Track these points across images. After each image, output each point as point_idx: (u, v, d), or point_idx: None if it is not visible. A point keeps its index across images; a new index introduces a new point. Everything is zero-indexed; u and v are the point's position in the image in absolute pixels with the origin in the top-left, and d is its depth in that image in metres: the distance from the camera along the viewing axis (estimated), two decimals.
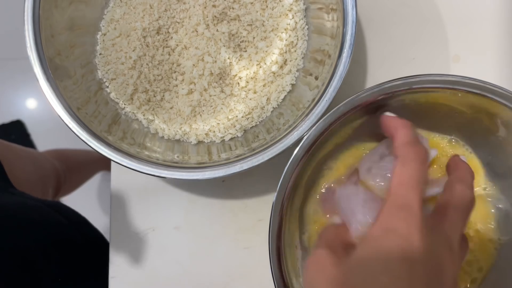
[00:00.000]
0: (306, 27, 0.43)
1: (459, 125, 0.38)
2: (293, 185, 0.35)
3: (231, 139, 0.43)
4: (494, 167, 0.39)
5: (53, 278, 0.50)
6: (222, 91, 0.43)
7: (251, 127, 0.43)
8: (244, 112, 0.43)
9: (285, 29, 0.43)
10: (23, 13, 0.36)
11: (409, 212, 0.25)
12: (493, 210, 0.39)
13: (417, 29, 0.46)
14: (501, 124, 0.35)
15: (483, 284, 0.38)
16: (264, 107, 0.43)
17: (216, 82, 0.42)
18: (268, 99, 0.43)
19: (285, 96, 0.43)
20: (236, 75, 0.43)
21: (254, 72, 0.43)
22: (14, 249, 0.47)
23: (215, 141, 0.43)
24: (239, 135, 0.43)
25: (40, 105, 1.22)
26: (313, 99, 0.37)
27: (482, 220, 0.39)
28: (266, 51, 0.43)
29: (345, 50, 0.35)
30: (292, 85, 0.43)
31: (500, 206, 0.39)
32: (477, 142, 0.39)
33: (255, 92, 0.43)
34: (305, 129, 0.35)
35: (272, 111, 0.43)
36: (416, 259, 0.24)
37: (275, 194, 0.34)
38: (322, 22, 0.41)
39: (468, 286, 0.38)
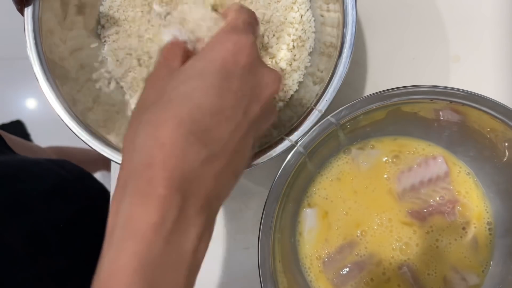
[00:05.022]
0: (313, 18, 0.43)
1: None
2: (285, 189, 0.35)
3: None
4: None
5: (54, 225, 0.50)
6: None
7: None
8: None
9: (291, 23, 0.42)
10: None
11: (243, 32, 0.26)
12: (487, 210, 0.40)
13: (417, 29, 0.46)
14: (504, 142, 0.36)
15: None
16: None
17: None
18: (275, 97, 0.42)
19: (292, 94, 0.43)
20: None
21: None
22: (11, 200, 0.47)
23: None
24: None
25: (40, 105, 1.22)
26: (314, 99, 0.36)
27: (477, 218, 0.40)
28: (275, 48, 0.42)
29: (345, 50, 0.35)
30: (299, 82, 0.43)
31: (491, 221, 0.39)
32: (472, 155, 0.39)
33: None
34: (304, 129, 0.35)
35: (280, 110, 0.43)
36: (234, 73, 0.25)
37: (267, 195, 0.34)
38: (328, 14, 0.41)
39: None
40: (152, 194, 0.22)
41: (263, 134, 0.29)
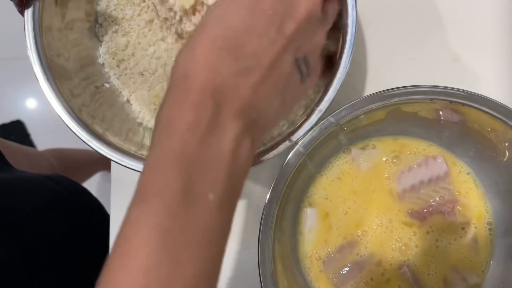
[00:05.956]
0: None
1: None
2: (286, 189, 0.35)
3: None
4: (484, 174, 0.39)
5: (48, 242, 0.50)
6: None
7: None
8: None
9: None
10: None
11: None
12: (487, 210, 0.40)
13: (417, 29, 0.46)
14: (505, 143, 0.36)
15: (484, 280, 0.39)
16: None
17: None
18: None
19: None
20: None
21: None
22: (5, 217, 0.47)
23: None
24: None
25: (40, 105, 1.22)
26: (314, 99, 0.36)
27: (477, 218, 0.40)
28: None
29: (345, 50, 0.35)
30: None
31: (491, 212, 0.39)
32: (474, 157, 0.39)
33: None
34: (304, 129, 0.35)
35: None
36: None
37: (268, 195, 0.34)
38: None
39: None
40: (187, 99, 0.25)
41: (314, 54, 0.30)
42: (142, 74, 0.43)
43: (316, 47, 0.30)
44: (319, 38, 0.30)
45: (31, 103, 1.23)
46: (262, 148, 0.36)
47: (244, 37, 0.26)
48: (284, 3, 0.27)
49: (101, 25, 0.44)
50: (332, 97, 0.35)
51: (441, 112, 0.37)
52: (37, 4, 0.36)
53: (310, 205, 0.40)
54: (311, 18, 0.28)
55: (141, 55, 0.43)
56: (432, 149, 0.40)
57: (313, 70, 0.31)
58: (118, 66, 0.44)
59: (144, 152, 0.38)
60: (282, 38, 0.27)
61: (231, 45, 0.26)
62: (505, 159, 0.37)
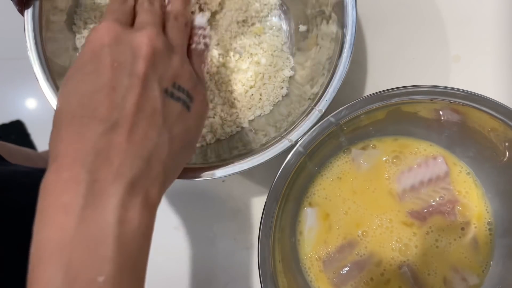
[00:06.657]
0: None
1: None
2: (285, 190, 0.35)
3: (236, 133, 0.42)
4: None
5: None
6: (225, 90, 0.43)
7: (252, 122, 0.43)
8: (247, 107, 0.42)
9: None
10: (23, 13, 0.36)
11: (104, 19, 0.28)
12: (487, 210, 0.40)
13: (417, 29, 0.46)
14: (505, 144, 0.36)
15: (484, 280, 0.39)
16: (276, 94, 0.42)
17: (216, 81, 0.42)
18: (270, 96, 0.43)
19: (287, 93, 0.43)
20: (235, 77, 0.43)
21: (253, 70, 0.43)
22: (2, 212, 0.46)
23: (214, 140, 0.43)
24: (245, 126, 0.42)
25: (40, 105, 1.22)
26: (313, 99, 0.36)
27: (477, 218, 0.40)
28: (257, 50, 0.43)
29: (345, 50, 0.35)
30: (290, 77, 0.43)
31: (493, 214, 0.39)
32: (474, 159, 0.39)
33: (256, 88, 0.42)
34: (304, 129, 0.35)
35: (273, 107, 0.43)
36: (103, 51, 0.27)
37: (267, 195, 0.34)
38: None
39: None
40: (58, 180, 0.23)
41: (184, 78, 0.29)
42: None
43: (181, 71, 0.29)
44: (176, 62, 0.29)
45: (31, 103, 1.23)
46: (261, 149, 0.36)
47: (100, 97, 0.25)
48: (124, 51, 0.27)
49: (85, 22, 0.42)
50: (332, 97, 0.35)
51: (441, 112, 0.37)
52: (37, 3, 0.36)
53: (310, 205, 0.40)
54: (156, 50, 0.28)
55: None
56: (432, 149, 0.40)
57: (195, 93, 0.30)
58: None
59: None
60: (137, 80, 0.26)
61: (90, 109, 0.25)
62: (505, 159, 0.37)
